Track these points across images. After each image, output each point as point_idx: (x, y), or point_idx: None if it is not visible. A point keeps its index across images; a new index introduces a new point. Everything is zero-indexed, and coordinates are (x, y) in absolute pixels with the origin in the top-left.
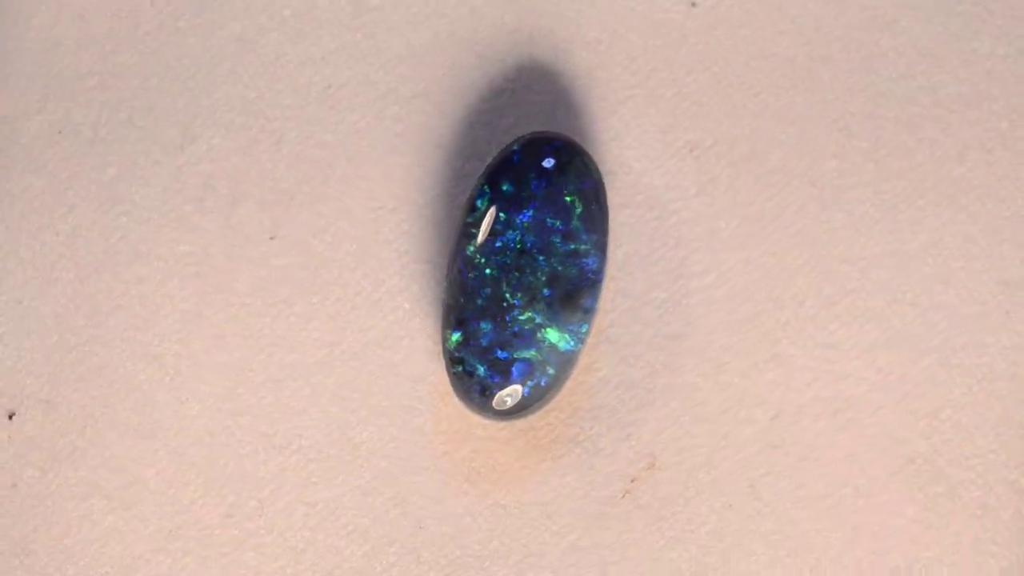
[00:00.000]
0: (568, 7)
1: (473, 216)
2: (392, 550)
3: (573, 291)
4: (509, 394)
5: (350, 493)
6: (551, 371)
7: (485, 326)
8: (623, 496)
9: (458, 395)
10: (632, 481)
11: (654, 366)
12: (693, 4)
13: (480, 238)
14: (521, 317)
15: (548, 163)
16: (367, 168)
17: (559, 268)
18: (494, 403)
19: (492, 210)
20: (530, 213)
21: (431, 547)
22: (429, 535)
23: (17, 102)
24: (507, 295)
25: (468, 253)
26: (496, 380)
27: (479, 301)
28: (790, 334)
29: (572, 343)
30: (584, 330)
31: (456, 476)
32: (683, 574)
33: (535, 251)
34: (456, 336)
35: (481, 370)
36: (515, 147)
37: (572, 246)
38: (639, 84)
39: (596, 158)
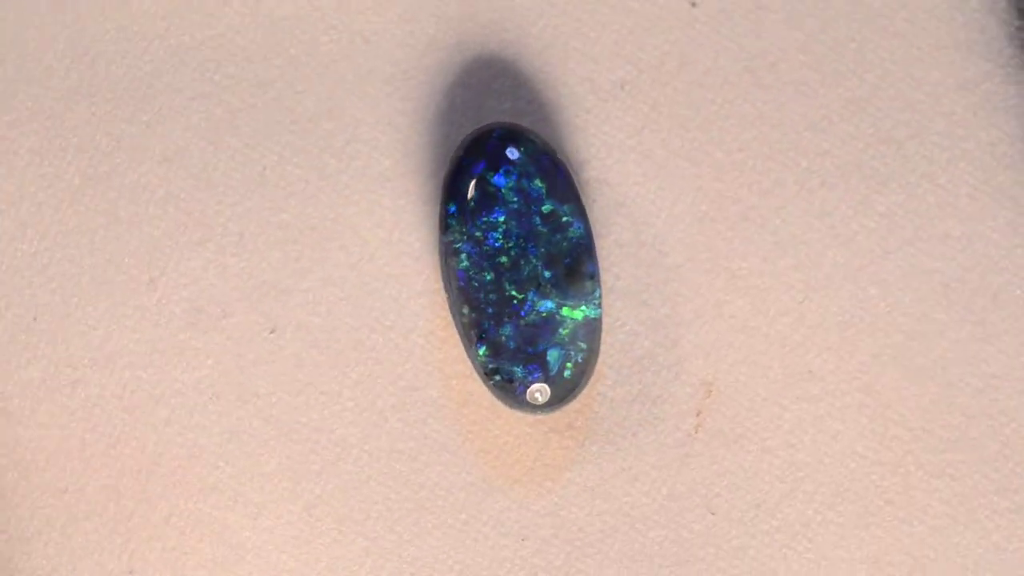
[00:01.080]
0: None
1: (449, 235)
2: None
3: (572, 264)
4: (538, 391)
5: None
6: (583, 345)
7: (505, 330)
8: (696, 431)
9: (505, 403)
10: (698, 415)
11: (674, 300)
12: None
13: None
14: (535, 308)
15: (512, 154)
16: (349, 208)
17: (550, 249)
18: (528, 399)
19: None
20: (503, 209)
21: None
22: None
23: None
24: (513, 292)
25: (461, 268)
26: (536, 375)
27: (489, 309)
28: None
29: (591, 310)
30: (597, 294)
31: (542, 475)
32: (784, 479)
33: (522, 242)
34: (483, 349)
35: (519, 371)
36: (460, 153)
37: (554, 223)
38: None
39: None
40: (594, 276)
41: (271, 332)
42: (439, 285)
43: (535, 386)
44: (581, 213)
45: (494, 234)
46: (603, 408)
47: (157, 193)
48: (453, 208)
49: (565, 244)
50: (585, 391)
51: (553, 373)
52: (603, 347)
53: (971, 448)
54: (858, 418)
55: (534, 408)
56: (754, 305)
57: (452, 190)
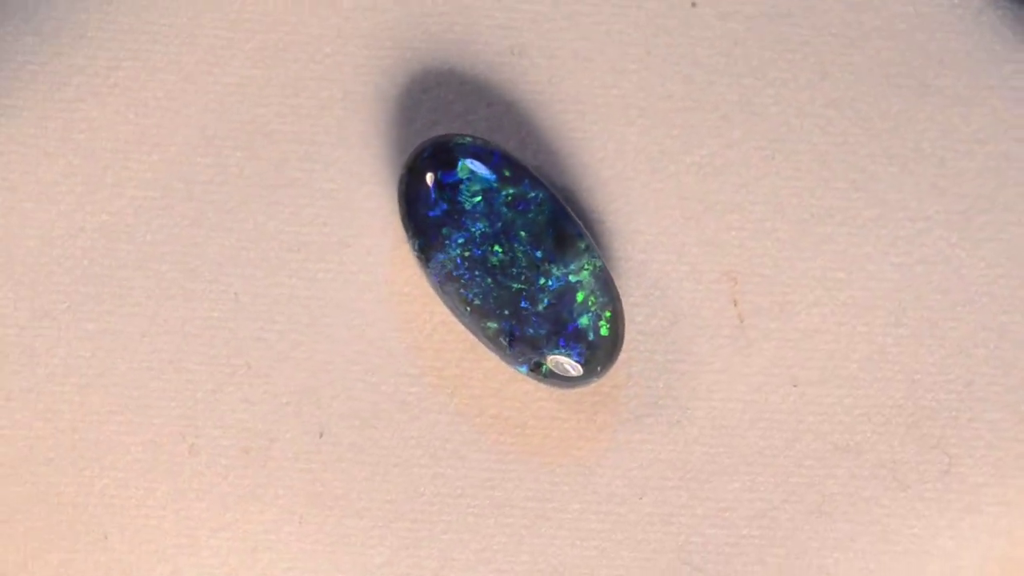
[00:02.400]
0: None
1: (435, 267)
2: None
3: (556, 232)
4: (568, 365)
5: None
6: (604, 298)
7: (530, 325)
8: (742, 322)
9: (561, 386)
10: (736, 304)
11: (672, 214)
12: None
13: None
14: (545, 289)
15: (449, 178)
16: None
17: (530, 229)
18: (556, 370)
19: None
20: (470, 218)
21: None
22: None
23: None
24: (517, 285)
25: (463, 290)
26: (578, 350)
27: (505, 311)
28: None
29: (594, 263)
30: (594, 248)
31: (615, 420)
32: (840, 339)
33: (502, 237)
34: (518, 351)
35: (562, 355)
36: (404, 188)
37: (521, 204)
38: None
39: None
40: (581, 233)
41: (247, 452)
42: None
43: (552, 362)
44: (539, 183)
45: (473, 245)
46: (648, 341)
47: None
48: (415, 244)
49: (541, 218)
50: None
51: (593, 338)
52: (620, 284)
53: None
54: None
55: (586, 380)
56: (752, 196)
57: (415, 227)
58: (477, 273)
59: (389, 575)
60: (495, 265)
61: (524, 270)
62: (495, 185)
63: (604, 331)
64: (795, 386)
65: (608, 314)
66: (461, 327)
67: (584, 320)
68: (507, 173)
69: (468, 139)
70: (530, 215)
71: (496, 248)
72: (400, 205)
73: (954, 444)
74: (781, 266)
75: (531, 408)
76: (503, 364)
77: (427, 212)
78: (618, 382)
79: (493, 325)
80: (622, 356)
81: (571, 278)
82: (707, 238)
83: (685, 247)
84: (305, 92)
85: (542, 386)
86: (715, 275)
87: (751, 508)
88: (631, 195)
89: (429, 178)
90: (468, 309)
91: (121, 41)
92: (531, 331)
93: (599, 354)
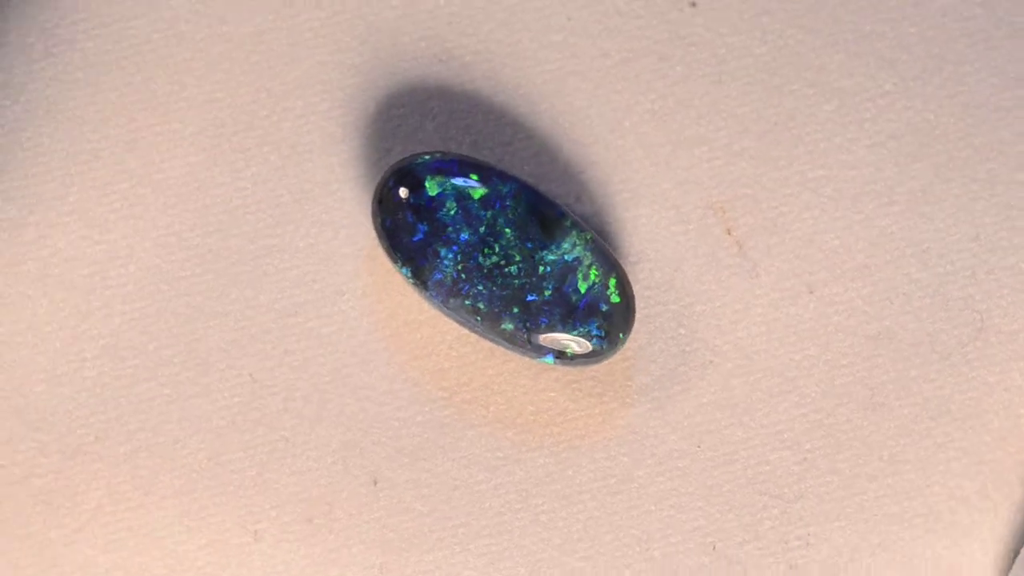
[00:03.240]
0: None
1: (435, 292)
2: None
3: (539, 218)
4: (572, 341)
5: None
6: (604, 268)
7: (543, 315)
8: (739, 248)
9: (590, 363)
10: (730, 233)
11: (642, 165)
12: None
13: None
14: (546, 275)
15: (407, 196)
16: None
17: (512, 223)
18: (564, 350)
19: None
20: (454, 231)
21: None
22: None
23: None
24: (516, 281)
25: (468, 303)
26: (594, 323)
27: (515, 308)
28: None
29: (583, 236)
30: (579, 222)
31: (634, 390)
32: (839, 233)
33: (490, 239)
34: (542, 340)
35: (583, 334)
36: (379, 214)
37: (495, 200)
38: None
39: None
40: (562, 212)
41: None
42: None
43: (549, 339)
44: (507, 176)
45: (464, 256)
46: (658, 295)
47: None
48: (408, 272)
49: (520, 208)
50: (639, 299)
51: (606, 308)
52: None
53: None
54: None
55: (615, 345)
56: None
57: (403, 256)
58: (477, 281)
59: None
60: (491, 268)
61: (520, 264)
62: (467, 191)
63: (615, 298)
64: (811, 292)
65: (613, 280)
66: (475, 337)
67: (593, 296)
68: (474, 177)
69: (426, 156)
70: (508, 209)
71: (487, 251)
72: (381, 240)
73: (980, 300)
74: (762, 181)
75: (566, 394)
76: (526, 360)
77: (410, 239)
78: (641, 343)
79: (508, 327)
80: (639, 316)
81: (567, 257)
82: (682, 177)
83: (665, 193)
84: (255, 160)
85: (572, 369)
86: (701, 211)
87: (806, 422)
88: (596, 160)
89: (403, 192)
90: (479, 318)
91: (65, 166)
92: (545, 320)
93: (616, 321)
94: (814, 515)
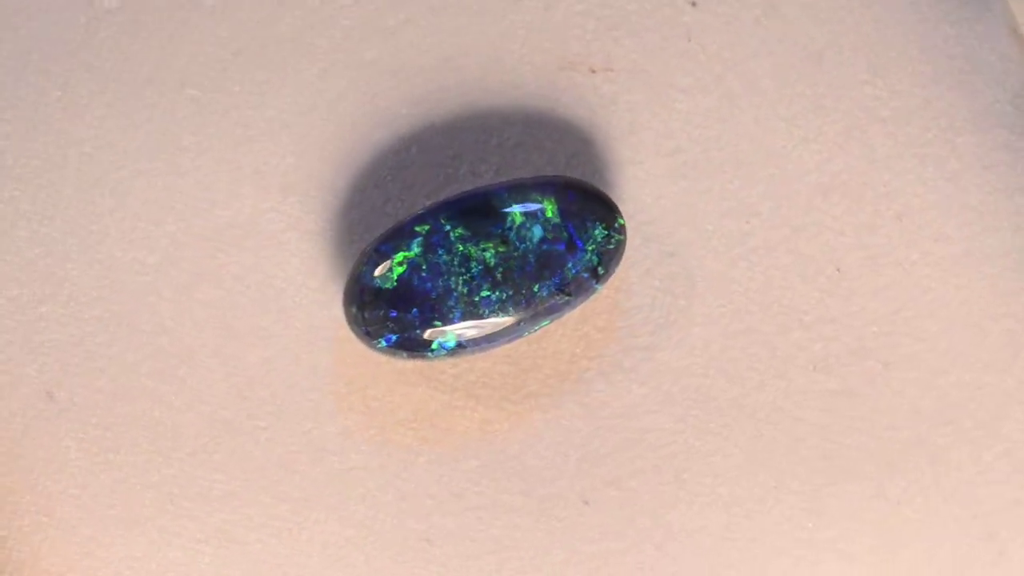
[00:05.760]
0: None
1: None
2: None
3: (479, 212)
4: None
5: None
6: (567, 222)
7: (536, 287)
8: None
9: (591, 292)
10: (593, 72)
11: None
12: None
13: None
14: (517, 258)
15: (382, 284)
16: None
17: (460, 232)
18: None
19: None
20: (431, 273)
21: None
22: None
23: None
24: (515, 278)
25: (484, 295)
26: (590, 278)
27: (509, 291)
28: None
29: (529, 206)
30: (513, 200)
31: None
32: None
33: (462, 270)
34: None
35: (578, 264)
36: (358, 319)
37: (442, 241)
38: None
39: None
40: (496, 195)
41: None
42: None
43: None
44: (438, 206)
45: (453, 306)
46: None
47: None
48: (410, 354)
49: (468, 222)
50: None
51: (597, 264)
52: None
53: None
54: None
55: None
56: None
57: (393, 348)
58: (481, 318)
59: None
60: (486, 295)
61: (501, 260)
62: (410, 225)
63: (613, 245)
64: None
65: (592, 231)
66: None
67: (584, 251)
68: (417, 229)
69: (370, 247)
70: (454, 235)
71: (463, 279)
72: (365, 341)
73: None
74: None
75: (604, 358)
76: (547, 343)
77: (386, 337)
78: (629, 285)
79: (544, 321)
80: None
81: (533, 231)
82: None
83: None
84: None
85: (589, 336)
86: (580, 75)
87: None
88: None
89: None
90: (508, 339)
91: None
92: (541, 298)
93: (612, 261)
94: None
